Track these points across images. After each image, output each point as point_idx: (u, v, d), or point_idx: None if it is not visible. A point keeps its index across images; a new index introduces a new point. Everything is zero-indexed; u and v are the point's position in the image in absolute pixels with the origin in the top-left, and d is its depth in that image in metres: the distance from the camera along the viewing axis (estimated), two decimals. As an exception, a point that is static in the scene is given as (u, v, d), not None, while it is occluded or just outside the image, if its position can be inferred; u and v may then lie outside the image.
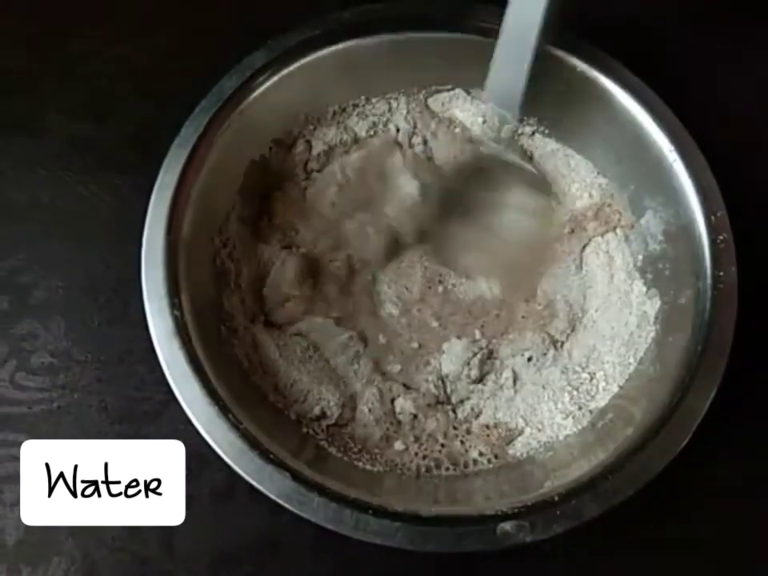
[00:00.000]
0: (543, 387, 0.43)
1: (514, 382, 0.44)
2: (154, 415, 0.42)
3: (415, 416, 0.43)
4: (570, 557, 0.39)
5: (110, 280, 0.46)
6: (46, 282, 0.46)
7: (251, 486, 0.35)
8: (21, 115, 0.50)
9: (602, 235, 0.46)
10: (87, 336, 0.44)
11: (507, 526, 0.34)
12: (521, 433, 0.42)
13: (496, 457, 0.41)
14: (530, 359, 0.44)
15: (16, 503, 0.40)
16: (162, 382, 0.38)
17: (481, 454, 0.41)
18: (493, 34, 0.44)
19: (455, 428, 0.43)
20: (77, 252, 0.47)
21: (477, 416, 0.43)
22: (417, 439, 0.42)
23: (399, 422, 0.43)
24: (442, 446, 0.42)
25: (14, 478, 0.40)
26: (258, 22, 0.47)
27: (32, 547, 0.40)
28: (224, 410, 0.36)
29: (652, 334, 0.42)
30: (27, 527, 0.39)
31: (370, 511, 0.34)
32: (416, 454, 0.41)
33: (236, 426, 0.35)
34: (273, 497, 0.34)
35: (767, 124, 0.51)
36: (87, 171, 0.49)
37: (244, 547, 0.40)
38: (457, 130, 0.49)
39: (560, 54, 0.44)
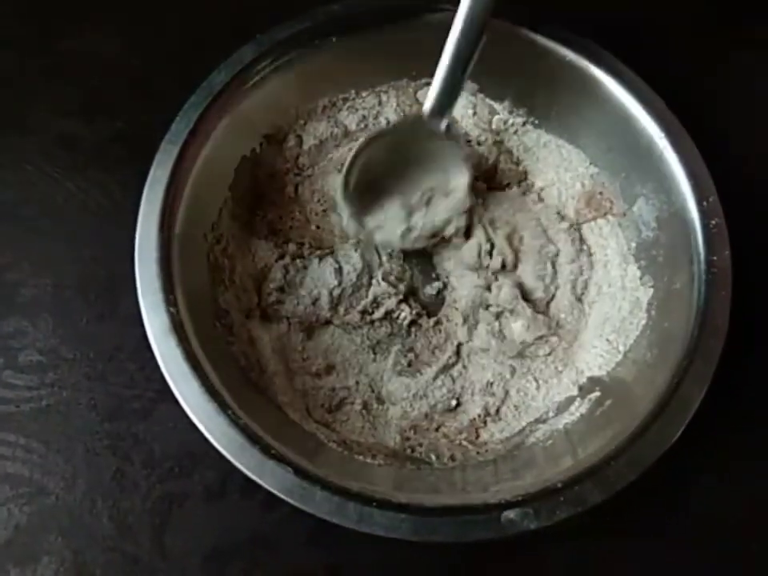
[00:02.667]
0: (538, 375, 0.44)
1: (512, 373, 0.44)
2: (145, 413, 0.42)
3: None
4: (575, 543, 0.39)
5: (99, 277, 0.45)
6: (34, 279, 0.45)
7: (243, 483, 0.34)
8: (9, 112, 0.50)
9: (594, 220, 0.46)
10: (76, 333, 0.44)
11: (511, 513, 0.33)
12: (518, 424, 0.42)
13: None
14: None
15: (4, 503, 0.39)
16: (152, 380, 0.37)
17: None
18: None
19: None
20: (66, 249, 0.46)
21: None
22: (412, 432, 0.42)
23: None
24: (439, 440, 0.42)
25: (2, 477, 0.40)
26: (247, 16, 0.47)
27: (21, 547, 0.39)
28: (223, 406, 0.35)
29: (643, 321, 0.42)
30: (16, 527, 0.39)
31: (374, 503, 0.33)
32: (412, 449, 0.41)
33: (235, 421, 0.35)
34: (275, 492, 0.34)
35: (758, 109, 0.51)
36: (76, 168, 0.48)
37: (236, 544, 0.39)
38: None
39: (549, 44, 0.44)
